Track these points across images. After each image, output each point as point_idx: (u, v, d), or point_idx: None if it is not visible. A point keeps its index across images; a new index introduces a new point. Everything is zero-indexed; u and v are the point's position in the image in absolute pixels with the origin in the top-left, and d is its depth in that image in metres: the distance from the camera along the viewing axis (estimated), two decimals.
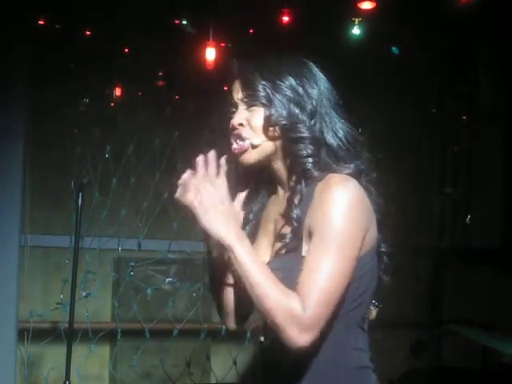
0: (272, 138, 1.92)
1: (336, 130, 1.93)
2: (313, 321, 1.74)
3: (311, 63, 1.99)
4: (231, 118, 1.96)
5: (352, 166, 1.91)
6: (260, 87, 1.91)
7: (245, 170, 2.01)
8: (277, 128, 1.91)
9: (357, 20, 4.92)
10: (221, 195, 1.81)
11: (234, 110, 1.97)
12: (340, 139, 1.93)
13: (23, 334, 4.62)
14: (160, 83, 5.23)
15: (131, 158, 5.01)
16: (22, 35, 4.47)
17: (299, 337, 1.73)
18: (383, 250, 1.95)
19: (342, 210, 1.78)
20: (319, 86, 1.95)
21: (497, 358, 4.44)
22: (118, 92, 5.21)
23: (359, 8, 4.71)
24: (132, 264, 4.98)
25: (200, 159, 1.85)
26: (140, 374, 5.05)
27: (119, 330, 4.91)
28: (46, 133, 5.09)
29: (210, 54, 4.92)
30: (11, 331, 4.43)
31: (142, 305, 4.97)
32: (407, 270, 5.67)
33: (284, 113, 1.90)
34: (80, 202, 3.83)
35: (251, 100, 1.93)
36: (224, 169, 1.84)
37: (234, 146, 1.94)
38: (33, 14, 4.62)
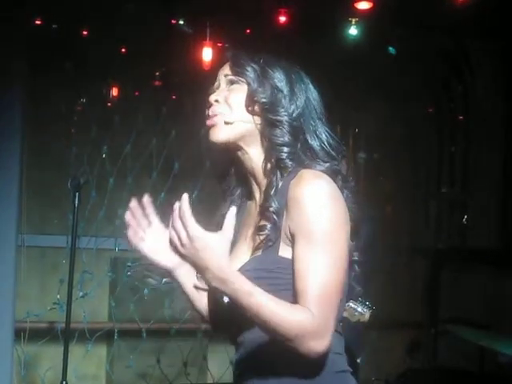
0: (248, 118, 1.89)
1: (319, 134, 1.91)
2: (325, 325, 1.73)
3: (304, 74, 1.98)
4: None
5: (327, 164, 1.87)
6: (249, 68, 1.91)
7: (221, 171, 2.01)
8: (256, 107, 1.89)
9: (354, 20, 4.93)
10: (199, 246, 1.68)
11: (215, 88, 1.95)
12: (322, 142, 1.90)
13: (20, 334, 4.62)
14: (157, 83, 5.24)
15: (128, 157, 5.01)
16: (20, 35, 4.46)
17: (317, 345, 1.72)
18: (355, 258, 1.90)
19: (320, 208, 1.76)
20: (307, 94, 1.93)
21: (493, 357, 4.45)
22: (114, 92, 5.22)
23: (356, 8, 4.72)
24: (129, 264, 4.97)
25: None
26: (137, 374, 5.05)
27: (116, 330, 4.91)
28: (43, 133, 5.09)
29: (207, 53, 4.92)
30: (8, 331, 4.42)
31: (138, 305, 4.97)
32: (404, 269, 5.68)
33: (268, 93, 1.89)
34: (77, 201, 3.84)
35: (236, 76, 1.92)
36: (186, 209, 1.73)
37: (207, 121, 1.91)
38: (30, 13, 4.62)
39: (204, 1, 4.76)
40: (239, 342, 1.90)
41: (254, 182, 1.96)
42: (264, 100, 1.88)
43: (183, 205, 1.71)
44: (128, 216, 1.99)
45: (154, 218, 2.03)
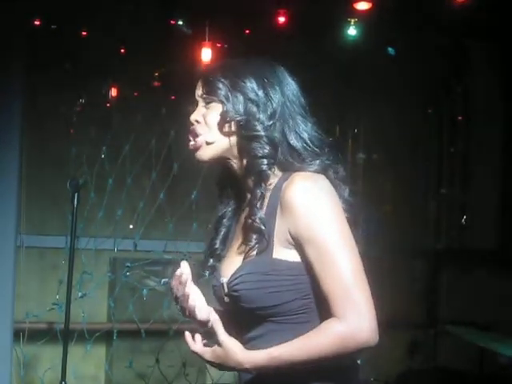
0: (227, 136, 1.92)
1: (300, 132, 1.91)
2: (360, 315, 1.73)
3: (280, 67, 1.98)
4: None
5: (317, 162, 1.88)
6: (219, 84, 1.92)
7: (216, 179, 2.06)
8: (232, 125, 1.91)
9: (353, 20, 4.93)
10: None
11: (194, 108, 1.99)
12: (304, 141, 1.90)
13: (19, 335, 4.61)
14: (156, 83, 5.24)
15: (127, 158, 5.01)
16: (19, 35, 4.46)
17: (368, 339, 1.74)
18: None
19: (316, 206, 1.78)
20: (283, 90, 1.93)
21: (493, 358, 4.45)
22: (114, 92, 5.21)
23: (355, 8, 4.72)
24: (128, 264, 4.97)
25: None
26: (136, 374, 5.05)
27: (115, 331, 4.90)
28: (42, 133, 5.08)
29: (206, 54, 4.92)
30: (7, 332, 4.42)
31: (137, 305, 4.96)
32: (403, 270, 5.68)
33: (240, 110, 1.90)
34: (76, 202, 3.83)
35: (209, 96, 1.94)
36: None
37: (190, 143, 1.96)
38: (29, 13, 4.62)
39: (203, 1, 4.75)
40: (244, 340, 1.91)
41: (246, 188, 1.97)
42: (238, 118, 1.90)
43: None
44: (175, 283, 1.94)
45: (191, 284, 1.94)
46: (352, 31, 4.98)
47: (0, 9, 4.26)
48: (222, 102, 1.91)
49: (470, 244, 5.92)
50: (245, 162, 1.92)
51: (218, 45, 5.00)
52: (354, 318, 1.73)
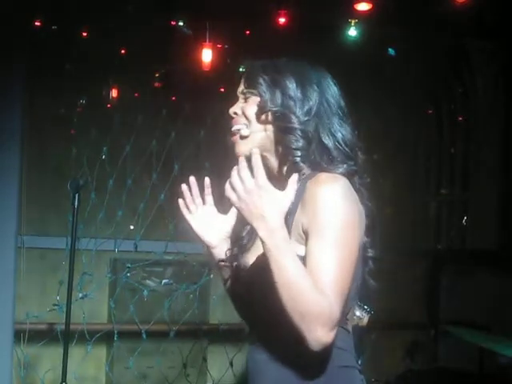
0: (263, 128, 1.97)
1: (334, 132, 1.96)
2: (337, 317, 1.75)
3: (322, 69, 2.05)
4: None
5: (344, 166, 1.93)
6: (260, 79, 1.98)
7: None
8: (269, 116, 1.96)
9: (353, 21, 4.93)
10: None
11: (235, 102, 2.05)
12: (337, 141, 1.95)
13: (20, 336, 4.61)
14: (157, 84, 5.24)
15: (128, 159, 5.01)
16: (19, 36, 4.46)
17: (324, 335, 1.73)
18: (370, 254, 1.96)
19: (334, 207, 1.80)
20: (322, 90, 1.99)
21: (493, 359, 4.45)
22: (114, 93, 5.22)
23: (356, 9, 4.72)
24: (128, 265, 4.97)
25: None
26: (136, 375, 5.05)
27: (116, 332, 4.90)
28: (43, 134, 5.09)
29: (207, 55, 4.93)
30: (8, 333, 4.42)
31: (138, 306, 4.96)
32: (404, 270, 5.68)
33: (278, 102, 1.96)
34: (76, 203, 3.84)
35: (250, 90, 2.00)
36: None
37: (231, 137, 2.01)
38: (30, 14, 4.62)
39: (204, 2, 4.75)
40: (251, 328, 1.96)
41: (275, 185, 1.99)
42: (275, 109, 1.95)
43: (255, 157, 1.76)
44: (184, 189, 2.15)
45: (210, 199, 2.17)
46: (352, 32, 4.98)
47: (0, 10, 4.26)
48: (260, 95, 1.97)
49: (470, 244, 5.92)
50: (279, 155, 1.97)
51: (219, 46, 5.00)
52: (334, 313, 1.73)
